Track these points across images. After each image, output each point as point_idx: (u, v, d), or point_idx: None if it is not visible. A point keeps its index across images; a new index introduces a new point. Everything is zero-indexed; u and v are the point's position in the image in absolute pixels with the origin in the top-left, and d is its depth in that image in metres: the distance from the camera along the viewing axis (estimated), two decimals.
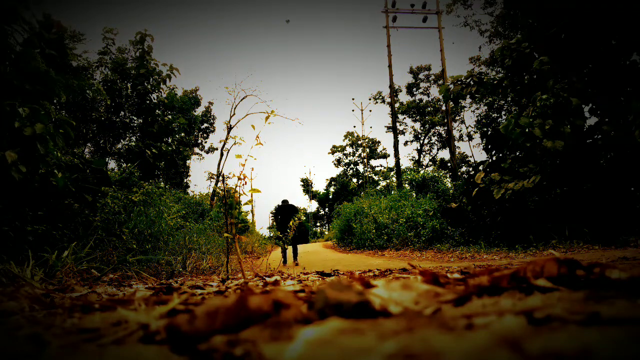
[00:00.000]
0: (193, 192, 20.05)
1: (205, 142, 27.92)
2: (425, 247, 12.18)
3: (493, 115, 23.49)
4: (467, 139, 31.01)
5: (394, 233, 13.51)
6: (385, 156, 45.22)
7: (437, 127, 35.64)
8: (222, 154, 20.26)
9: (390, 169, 42.16)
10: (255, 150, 3.10)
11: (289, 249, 10.69)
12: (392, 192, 18.74)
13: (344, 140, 45.89)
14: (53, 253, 3.58)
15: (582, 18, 9.57)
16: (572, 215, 8.92)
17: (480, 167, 11.22)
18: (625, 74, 9.30)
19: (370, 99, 38.32)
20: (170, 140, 16.97)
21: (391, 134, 32.70)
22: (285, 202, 10.04)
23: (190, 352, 0.52)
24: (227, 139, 20.23)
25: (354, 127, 60.74)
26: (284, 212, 9.70)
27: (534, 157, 9.48)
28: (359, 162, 45.45)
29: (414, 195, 16.46)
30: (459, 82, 11.87)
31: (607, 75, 9.42)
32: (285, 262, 9.22)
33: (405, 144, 37.62)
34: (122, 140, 16.31)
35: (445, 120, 22.17)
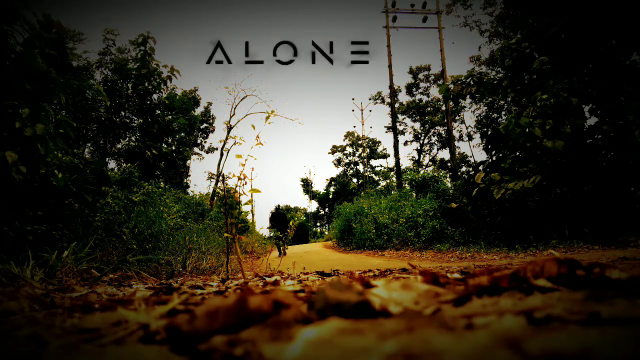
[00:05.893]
0: (193, 192, 20.01)
1: (205, 142, 27.90)
2: (425, 247, 12.17)
3: (493, 115, 23.47)
4: (467, 139, 30.96)
5: (394, 233, 13.50)
6: (385, 156, 45.18)
7: (437, 127, 35.60)
8: (222, 154, 20.24)
9: (390, 169, 42.13)
10: (255, 150, 3.10)
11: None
12: (392, 192, 18.73)
13: (344, 140, 45.85)
14: (53, 253, 3.58)
15: (582, 18, 9.57)
16: (572, 216, 8.92)
17: (480, 167, 11.22)
18: (625, 74, 9.30)
19: (370, 99, 38.29)
20: (170, 141, 16.96)
21: (391, 134, 32.69)
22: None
23: (190, 352, 0.52)
24: (227, 139, 20.20)
25: (354, 127, 60.61)
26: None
27: (534, 157, 9.47)
28: (359, 162, 45.41)
29: (414, 195, 16.45)
30: (459, 82, 11.87)
31: (607, 75, 9.41)
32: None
33: (405, 144, 37.60)
34: (122, 140, 16.31)
35: (445, 120, 22.16)
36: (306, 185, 51.32)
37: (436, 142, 36.62)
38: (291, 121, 27.80)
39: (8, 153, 3.77)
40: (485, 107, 24.15)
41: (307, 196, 51.36)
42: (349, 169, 46.20)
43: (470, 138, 30.77)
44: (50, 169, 4.56)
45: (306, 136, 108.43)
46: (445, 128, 29.02)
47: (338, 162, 46.49)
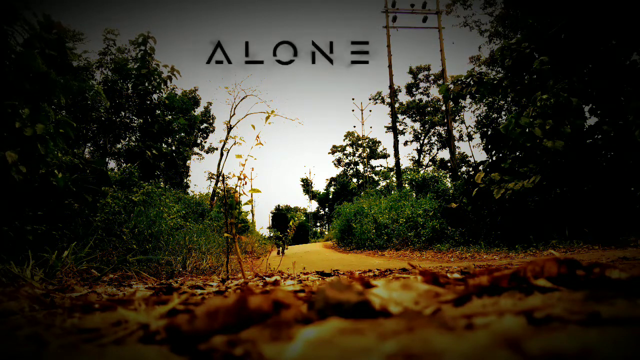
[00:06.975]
0: (193, 192, 19.99)
1: (205, 142, 27.90)
2: (425, 247, 12.17)
3: (493, 116, 23.47)
4: (467, 139, 30.95)
5: (394, 233, 13.50)
6: (385, 156, 45.18)
7: (437, 127, 35.60)
8: (222, 154, 20.22)
9: (390, 169, 42.10)
10: (256, 150, 3.10)
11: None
12: (392, 192, 18.72)
13: (344, 140, 45.86)
14: (53, 253, 3.58)
15: (582, 18, 9.57)
16: (572, 216, 8.92)
17: (480, 167, 11.21)
18: (625, 74, 9.30)
19: (370, 99, 38.29)
20: (170, 141, 16.96)
21: (391, 134, 32.65)
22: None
23: (190, 352, 0.52)
24: (227, 139, 20.18)
25: (354, 127, 60.56)
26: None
27: (534, 157, 9.47)
28: (359, 162, 45.42)
29: (414, 195, 16.45)
30: (459, 82, 11.87)
31: (607, 75, 9.41)
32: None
33: (405, 144, 37.60)
34: (122, 141, 16.31)
35: (445, 120, 22.14)
36: (306, 185, 51.32)
37: (436, 142, 36.63)
38: (291, 121, 27.77)
39: (8, 153, 3.77)
40: (485, 107, 24.14)
41: (307, 196, 51.39)
42: (349, 169, 46.21)
43: (470, 138, 30.77)
44: (50, 169, 4.56)
45: (306, 136, 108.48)
46: (445, 128, 29.00)
47: (338, 162, 46.51)
